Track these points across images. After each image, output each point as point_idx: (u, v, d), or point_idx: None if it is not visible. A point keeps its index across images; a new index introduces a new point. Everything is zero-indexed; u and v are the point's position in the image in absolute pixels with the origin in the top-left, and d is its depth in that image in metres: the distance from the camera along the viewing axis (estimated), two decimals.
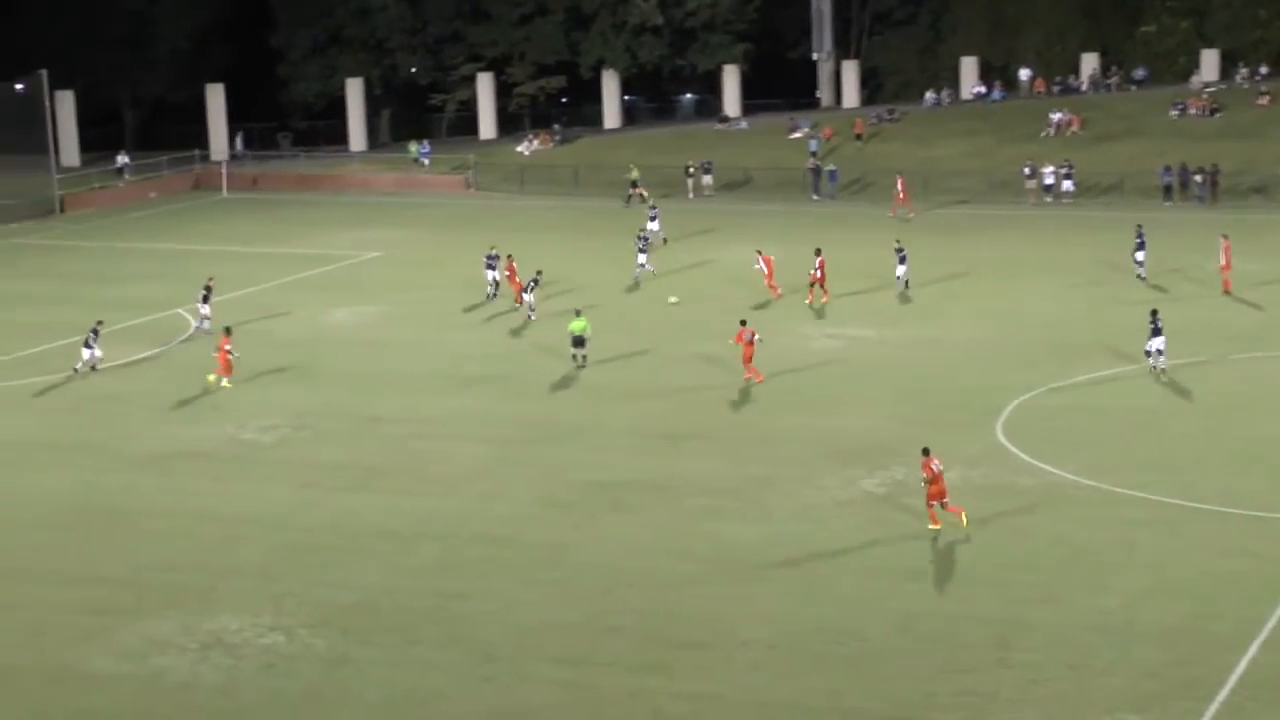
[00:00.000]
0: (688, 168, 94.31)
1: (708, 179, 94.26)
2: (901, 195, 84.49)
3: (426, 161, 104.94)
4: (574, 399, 51.64)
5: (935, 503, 38.94)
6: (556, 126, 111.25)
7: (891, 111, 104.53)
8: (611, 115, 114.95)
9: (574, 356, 54.57)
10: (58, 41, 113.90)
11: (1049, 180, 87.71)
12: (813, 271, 63.17)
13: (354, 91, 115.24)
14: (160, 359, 58.18)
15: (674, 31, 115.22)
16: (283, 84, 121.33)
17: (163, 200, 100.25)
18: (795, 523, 39.83)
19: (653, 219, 77.64)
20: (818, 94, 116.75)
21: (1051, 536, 38.61)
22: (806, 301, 62.80)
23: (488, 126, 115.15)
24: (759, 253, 65.55)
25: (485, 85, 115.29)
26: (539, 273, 63.62)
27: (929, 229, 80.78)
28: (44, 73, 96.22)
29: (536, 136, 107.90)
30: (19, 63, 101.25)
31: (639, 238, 70.82)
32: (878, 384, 52.44)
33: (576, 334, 54.65)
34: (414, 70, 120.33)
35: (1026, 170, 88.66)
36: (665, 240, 76.49)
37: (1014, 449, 44.99)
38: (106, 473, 45.62)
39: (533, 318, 61.69)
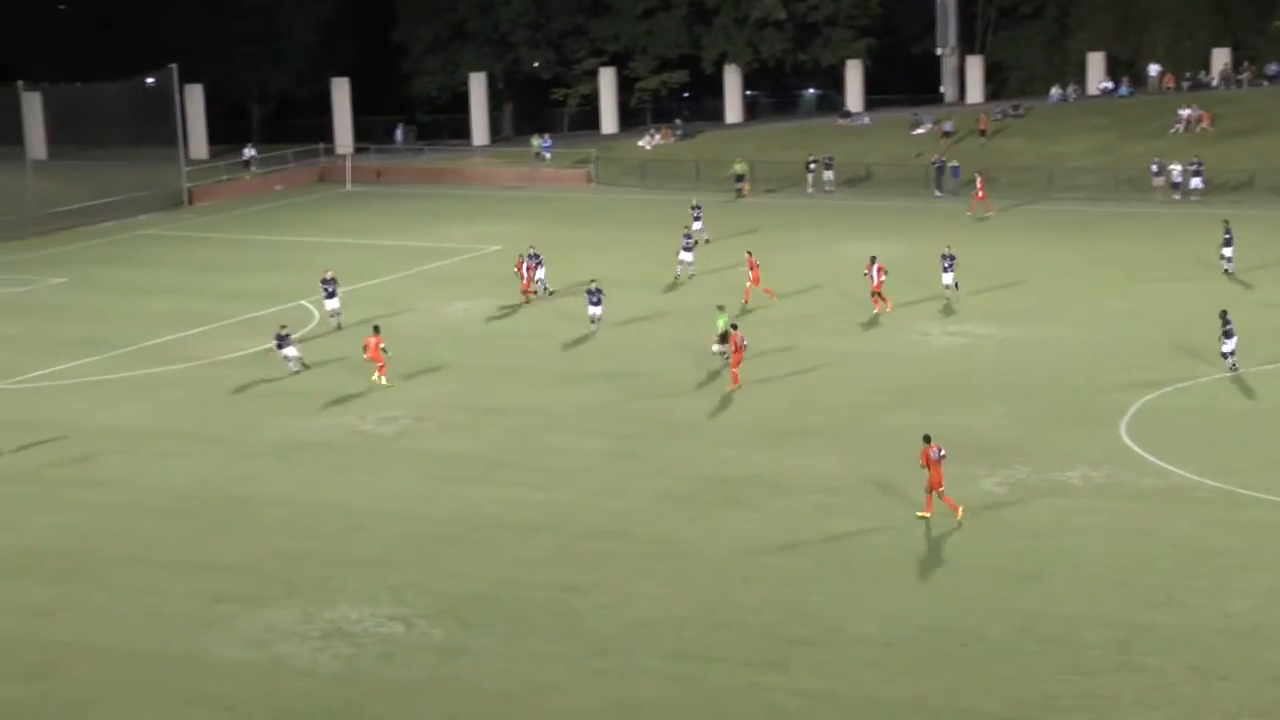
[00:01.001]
0: (809, 163, 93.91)
1: (829, 174, 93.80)
2: (980, 194, 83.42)
3: (548, 156, 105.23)
4: (691, 394, 51.55)
5: (935, 491, 39.17)
6: (678, 121, 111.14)
7: (1016, 107, 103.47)
8: (733, 110, 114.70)
9: (720, 353, 54.05)
10: (188, 37, 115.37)
11: (1177, 178, 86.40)
12: (871, 280, 60.94)
13: (477, 86, 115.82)
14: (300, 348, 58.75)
15: (797, 26, 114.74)
16: (406, 78, 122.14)
17: (288, 193, 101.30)
18: (913, 521, 39.54)
19: (697, 219, 76.67)
20: (941, 89, 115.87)
21: (1174, 538, 38.10)
22: (874, 311, 60.93)
23: (609, 121, 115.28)
24: (749, 254, 64.71)
25: (607, 80, 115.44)
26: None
27: (1053, 225, 80.00)
28: (174, 67, 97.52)
29: (658, 131, 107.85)
30: (151, 57, 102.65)
31: (685, 236, 70.48)
32: (999, 382, 51.95)
33: (722, 329, 54.31)
34: (536, 65, 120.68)
35: (1154, 167, 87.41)
36: (708, 240, 75.46)
37: (1137, 449, 44.41)
38: (229, 462, 46.16)
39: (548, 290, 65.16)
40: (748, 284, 63.09)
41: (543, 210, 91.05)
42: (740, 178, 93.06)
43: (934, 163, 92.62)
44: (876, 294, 60.74)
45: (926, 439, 39.50)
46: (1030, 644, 32.51)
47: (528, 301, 64.58)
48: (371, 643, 33.53)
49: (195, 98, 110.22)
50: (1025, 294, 64.14)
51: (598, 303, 59.17)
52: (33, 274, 75.74)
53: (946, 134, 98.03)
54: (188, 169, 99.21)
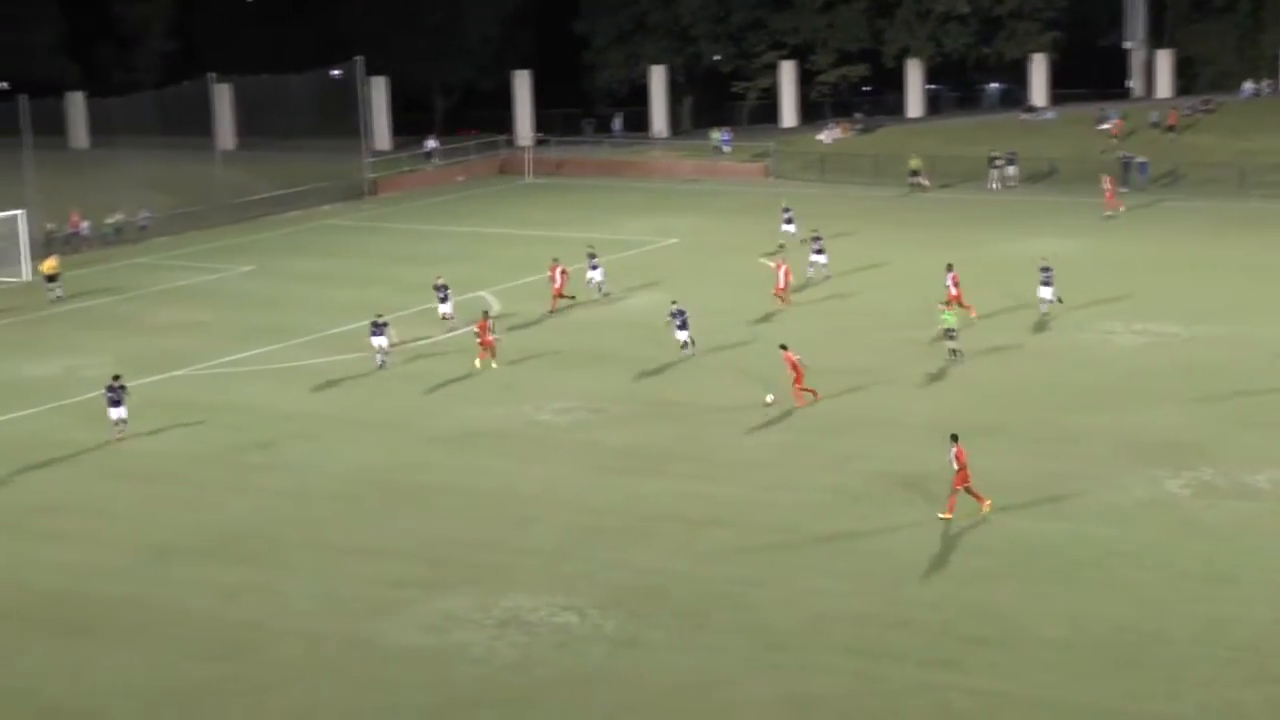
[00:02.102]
0: (992, 158, 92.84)
1: (1012, 170, 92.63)
2: (1109, 193, 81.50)
3: (727, 149, 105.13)
4: (868, 389, 51.15)
5: (960, 488, 38.80)
6: (858, 115, 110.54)
7: (1206, 102, 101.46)
8: (914, 104, 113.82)
9: (952, 352, 53.55)
10: (374, 29, 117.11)
11: None
12: (948, 289, 58.55)
13: (657, 78, 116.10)
14: (461, 340, 59.26)
15: (981, 20, 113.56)
16: (587, 71, 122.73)
17: (469, 184, 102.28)
18: (1095, 522, 38.91)
19: (788, 221, 75.53)
20: (1128, 83, 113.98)
21: None
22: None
23: (789, 114, 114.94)
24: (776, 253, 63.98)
25: (787, 73, 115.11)
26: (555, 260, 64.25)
27: (1244, 223, 78.33)
28: (359, 60, 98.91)
29: (837, 125, 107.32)
30: (337, 49, 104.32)
31: (780, 245, 69.75)
32: (1185, 381, 50.90)
33: (949, 326, 53.76)
34: (717, 58, 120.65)
35: None
36: (802, 241, 74.41)
37: None
38: (407, 449, 46.67)
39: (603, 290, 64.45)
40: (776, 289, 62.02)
41: (720, 203, 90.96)
42: (915, 173, 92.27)
43: (1121, 158, 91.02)
44: (955, 302, 57.86)
45: (955, 438, 39.16)
46: (1216, 649, 31.81)
47: (553, 311, 63.02)
48: (545, 632, 33.69)
49: (379, 90, 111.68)
50: (1213, 292, 62.81)
51: (683, 325, 55.37)
52: (222, 262, 77.23)
53: (1112, 131, 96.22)
54: (371, 160, 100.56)
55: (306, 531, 40.29)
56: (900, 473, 42.65)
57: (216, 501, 42.67)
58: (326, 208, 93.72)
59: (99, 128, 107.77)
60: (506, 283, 68.77)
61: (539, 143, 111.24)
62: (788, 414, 48.53)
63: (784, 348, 49.69)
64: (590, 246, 67.43)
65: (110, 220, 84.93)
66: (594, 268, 65.69)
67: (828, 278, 66.98)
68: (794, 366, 48.89)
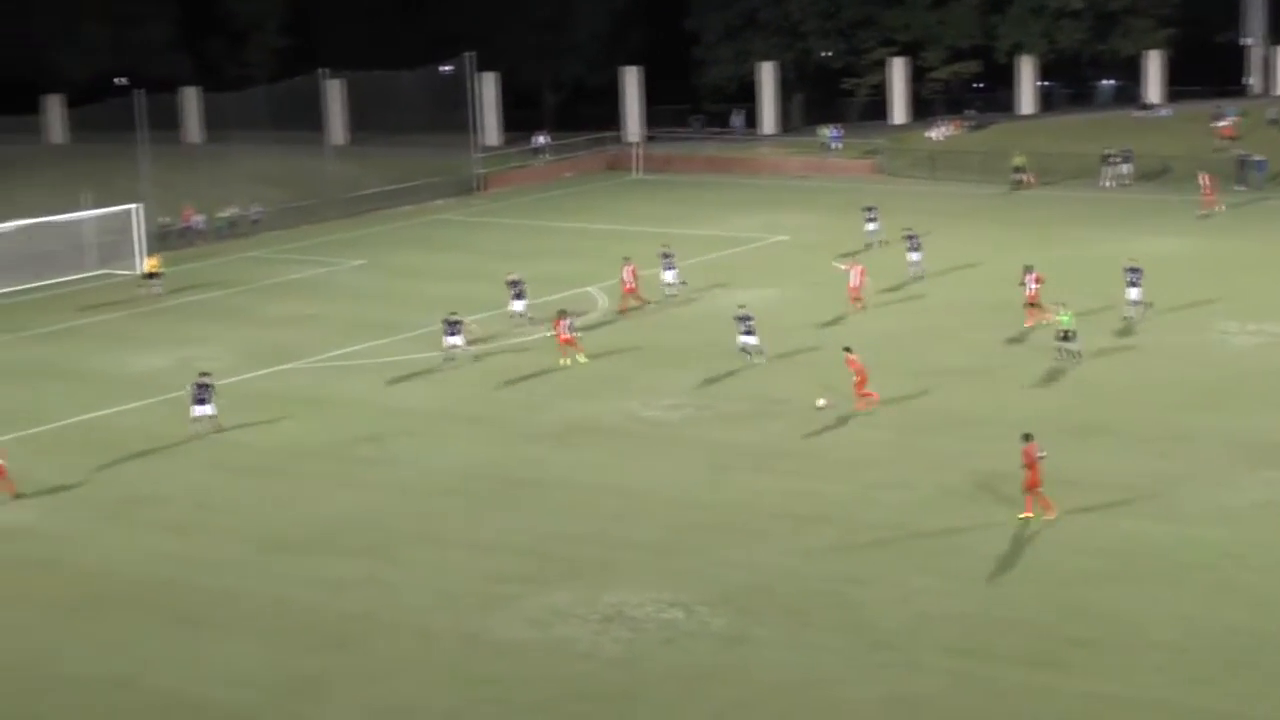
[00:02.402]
0: (1107, 155, 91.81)
1: (1126, 167, 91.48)
2: (1208, 191, 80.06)
3: (837, 146, 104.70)
4: (977, 388, 50.79)
5: (1033, 490, 38.50)
6: (970, 112, 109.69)
7: None
8: (1026, 101, 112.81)
9: (1071, 352, 52.69)
10: (485, 26, 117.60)
11: None
12: (1026, 289, 57.54)
13: (766, 75, 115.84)
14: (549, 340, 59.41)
15: (1095, 15, 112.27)
16: (696, 67, 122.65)
17: (577, 180, 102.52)
18: (1208, 523, 38.41)
19: (871, 220, 74.45)
20: (1246, 80, 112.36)
21: None
22: (1025, 325, 57.40)
23: (899, 111, 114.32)
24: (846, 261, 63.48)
25: (898, 70, 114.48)
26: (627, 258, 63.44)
27: None
28: (469, 55, 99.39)
29: (948, 122, 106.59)
30: (448, 45, 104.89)
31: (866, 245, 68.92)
32: None
33: (1066, 328, 53.03)
34: (827, 54, 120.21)
35: None
36: (884, 243, 73.61)
37: None
38: (514, 444, 46.84)
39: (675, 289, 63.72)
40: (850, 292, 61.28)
41: (830, 200, 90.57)
42: (1019, 169, 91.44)
43: (1238, 157, 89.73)
44: (1032, 304, 57.17)
45: (1027, 437, 38.82)
46: None
47: (624, 311, 62.30)
48: (652, 628, 33.71)
49: (489, 85, 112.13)
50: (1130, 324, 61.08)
51: (749, 332, 53.76)
52: (333, 256, 77.88)
53: (1223, 131, 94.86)
54: (481, 155, 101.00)
55: (414, 525, 40.55)
56: (1005, 472, 42.11)
57: (325, 495, 43.03)
58: (437, 202, 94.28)
59: (213, 122, 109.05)
60: (613, 278, 68.77)
61: (647, 139, 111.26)
62: (894, 412, 48.24)
63: (848, 350, 49.26)
64: (665, 245, 67.02)
65: (223, 214, 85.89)
66: (668, 268, 65.14)
67: (920, 277, 66.41)
68: (858, 370, 48.47)
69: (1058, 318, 53.43)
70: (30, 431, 48.90)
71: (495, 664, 32.44)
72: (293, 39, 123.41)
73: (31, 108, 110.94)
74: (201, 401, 48.08)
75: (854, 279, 61.24)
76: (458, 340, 55.32)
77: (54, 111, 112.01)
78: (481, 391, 52.67)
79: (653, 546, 38.26)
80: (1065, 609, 33.83)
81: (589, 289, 67.12)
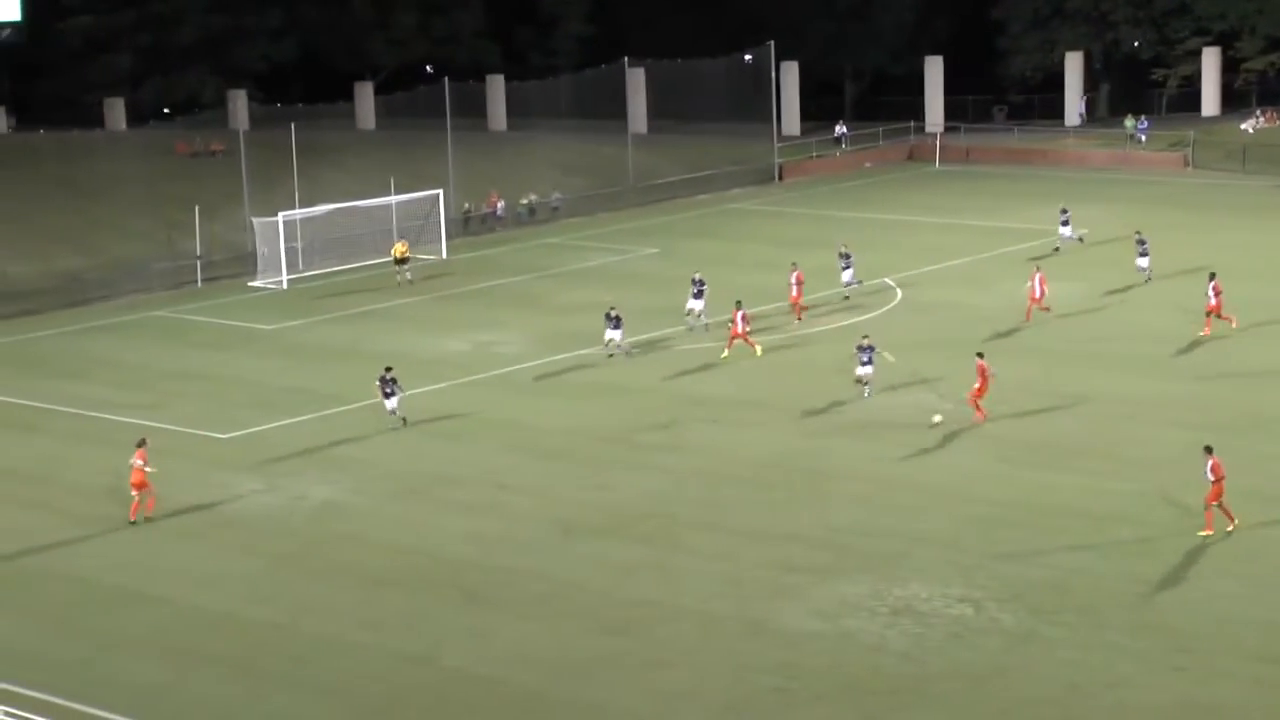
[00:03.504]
0: None
1: None
2: None
3: (1143, 138, 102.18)
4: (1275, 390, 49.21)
5: (1214, 504, 36.90)
6: None
7: None
8: None
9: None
10: (790, 14, 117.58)
11: None
12: (1208, 300, 55.32)
13: (1073, 65, 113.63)
14: (862, 328, 58.95)
15: None
16: (1000, 57, 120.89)
17: (876, 171, 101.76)
18: None
19: (1065, 224, 71.35)
20: None
21: None
22: (1203, 333, 55.15)
23: (1210, 103, 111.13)
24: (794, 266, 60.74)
25: (1210, 60, 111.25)
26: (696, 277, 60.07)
27: None
28: (771, 44, 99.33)
29: (1263, 114, 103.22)
30: (750, 34, 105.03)
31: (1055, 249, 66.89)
32: None
33: None
34: (1137, 44, 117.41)
35: None
36: (1081, 239, 70.48)
37: None
38: (806, 434, 46.67)
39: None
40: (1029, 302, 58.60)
41: (1134, 194, 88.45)
42: None
43: None
44: (1214, 314, 54.95)
45: (1209, 450, 37.36)
46: None
47: (800, 319, 60.10)
48: (940, 623, 33.29)
49: (790, 74, 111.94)
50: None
51: (868, 361, 49.76)
52: (629, 244, 78.55)
53: None
54: (780, 145, 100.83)
55: (705, 513, 40.65)
56: None
57: (617, 480, 43.40)
58: (735, 191, 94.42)
59: (516, 110, 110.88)
60: (910, 269, 68.17)
61: (948, 129, 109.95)
62: (1195, 412, 46.85)
63: (980, 355, 47.48)
64: (844, 245, 65.34)
65: (524, 201, 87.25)
66: (846, 268, 63.55)
67: (1148, 280, 63.71)
68: (983, 376, 46.65)
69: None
70: (335, 410, 50.28)
71: (779, 653, 32.35)
72: (599, 28, 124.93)
73: (345, 95, 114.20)
74: (389, 395, 47.95)
75: (1037, 288, 58.20)
76: (616, 335, 55.26)
77: (365, 99, 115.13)
78: (779, 381, 52.53)
79: (945, 541, 37.77)
80: None
81: (885, 279, 66.53)
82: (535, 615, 34.70)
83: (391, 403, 48.11)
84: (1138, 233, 66.26)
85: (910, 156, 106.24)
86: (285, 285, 70.11)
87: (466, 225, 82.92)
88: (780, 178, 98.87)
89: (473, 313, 64.48)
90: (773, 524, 39.60)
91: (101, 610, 35.85)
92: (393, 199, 76.77)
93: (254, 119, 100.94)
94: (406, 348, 58.56)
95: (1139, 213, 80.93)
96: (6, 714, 29.38)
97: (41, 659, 33.14)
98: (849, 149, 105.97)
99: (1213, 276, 56.03)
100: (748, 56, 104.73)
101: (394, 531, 40.10)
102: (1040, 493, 40.96)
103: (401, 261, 70.37)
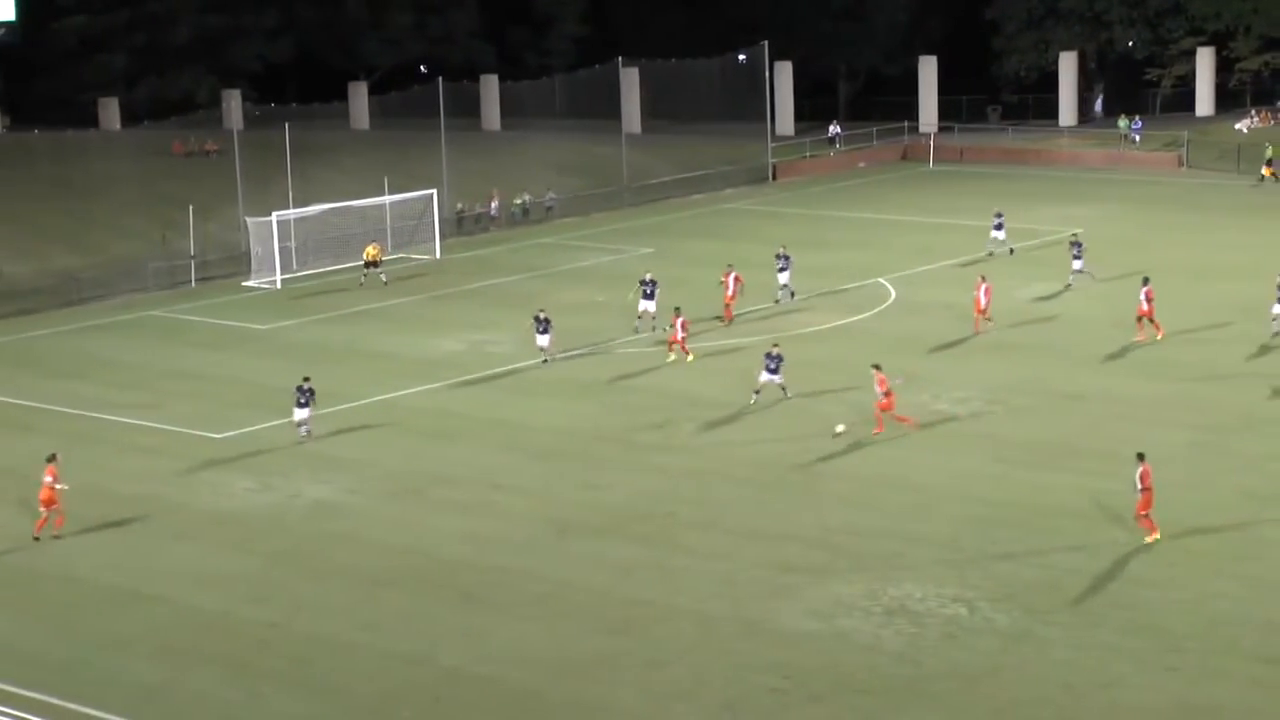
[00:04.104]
0: None
1: None
2: None
3: (1137, 138, 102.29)
4: (1270, 389, 49.15)
5: (1144, 512, 36.65)
6: None
7: None
8: None
9: None
10: (782, 14, 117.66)
11: None
12: (1139, 305, 54.75)
13: (1066, 65, 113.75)
14: (856, 327, 59.05)
15: None
16: (995, 57, 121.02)
17: (870, 171, 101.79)
18: None
19: (998, 227, 70.08)
20: None
21: None
22: (1136, 338, 54.84)
23: (1204, 103, 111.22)
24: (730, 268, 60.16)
25: (1205, 60, 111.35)
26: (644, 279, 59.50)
27: None
28: (765, 43, 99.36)
29: (1258, 114, 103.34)
30: (744, 34, 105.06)
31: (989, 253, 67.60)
32: None
33: None
34: (1131, 44, 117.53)
35: None
36: (1012, 251, 70.17)
37: None
38: (800, 436, 46.61)
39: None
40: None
41: (1128, 193, 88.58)
42: (1270, 162, 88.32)
43: None
44: (1145, 318, 54.59)
45: (1141, 456, 36.98)
46: None
47: (728, 323, 59.80)
48: (935, 623, 33.35)
49: (785, 74, 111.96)
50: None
51: (774, 370, 48.96)
52: (623, 243, 78.55)
53: None
54: (774, 145, 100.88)
55: (699, 513, 40.69)
56: None
57: (614, 479, 43.42)
58: (728, 191, 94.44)
59: (510, 110, 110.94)
60: (903, 270, 68.24)
61: (942, 130, 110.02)
62: (1196, 413, 46.93)
63: (877, 367, 46.48)
64: (782, 247, 64.78)
65: (518, 201, 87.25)
66: (783, 269, 62.86)
67: (1069, 286, 63.17)
68: (884, 388, 45.70)
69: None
70: (330, 410, 50.27)
71: (776, 652, 32.40)
72: (593, 28, 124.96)
73: (340, 95, 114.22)
74: (302, 406, 46.78)
75: (983, 298, 56.60)
76: (545, 341, 54.55)
77: (359, 99, 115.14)
78: (786, 381, 52.46)
79: (938, 541, 37.83)
80: None
81: (880, 279, 66.60)
82: (532, 615, 34.73)
83: (301, 414, 46.92)
84: (1074, 234, 65.64)
85: (904, 156, 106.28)
86: (279, 285, 70.10)
87: (460, 225, 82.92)
88: (774, 177, 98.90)
89: (466, 313, 64.50)
90: (769, 524, 39.64)
91: (97, 610, 35.88)
92: (387, 199, 76.81)
93: (248, 119, 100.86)
94: (401, 347, 58.60)
95: (1134, 212, 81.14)
96: (3, 714, 29.37)
97: (37, 659, 33.16)
98: (843, 149, 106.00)
99: (1146, 281, 55.37)
100: (742, 56, 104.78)
101: (390, 531, 40.12)
102: (1035, 493, 41.01)
103: (372, 264, 69.96)
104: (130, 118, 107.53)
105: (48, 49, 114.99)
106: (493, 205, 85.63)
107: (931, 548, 37.42)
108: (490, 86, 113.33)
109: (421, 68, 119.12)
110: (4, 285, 69.21)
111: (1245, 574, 35.27)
